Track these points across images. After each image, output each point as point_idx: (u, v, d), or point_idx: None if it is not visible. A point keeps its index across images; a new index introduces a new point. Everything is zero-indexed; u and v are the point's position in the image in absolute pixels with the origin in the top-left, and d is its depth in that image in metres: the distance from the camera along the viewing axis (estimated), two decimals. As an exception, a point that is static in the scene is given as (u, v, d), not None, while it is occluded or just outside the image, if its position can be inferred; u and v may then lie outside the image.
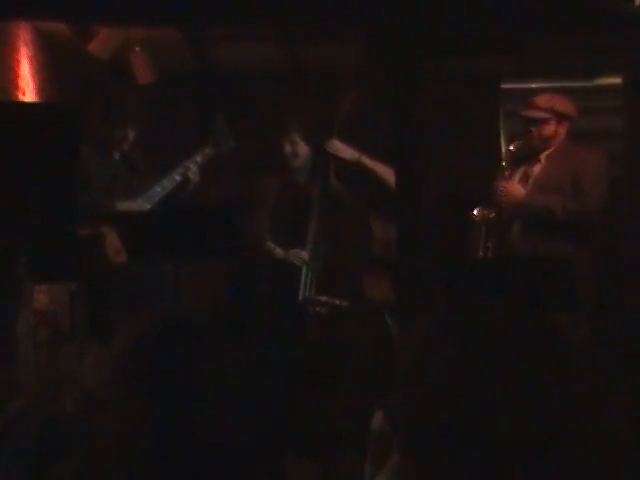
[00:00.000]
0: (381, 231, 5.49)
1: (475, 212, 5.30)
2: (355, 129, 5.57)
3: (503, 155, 5.44)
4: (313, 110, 5.80)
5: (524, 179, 5.31)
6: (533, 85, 6.25)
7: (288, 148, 5.49)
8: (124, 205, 5.15)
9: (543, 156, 5.30)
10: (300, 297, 5.23)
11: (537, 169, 5.31)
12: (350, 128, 5.53)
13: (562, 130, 5.29)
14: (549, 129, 5.26)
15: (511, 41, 5.89)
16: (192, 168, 5.36)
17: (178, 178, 5.32)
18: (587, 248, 5.20)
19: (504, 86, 6.65)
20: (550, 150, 5.29)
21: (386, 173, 5.40)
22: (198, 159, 5.39)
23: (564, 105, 5.30)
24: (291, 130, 5.50)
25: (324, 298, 5.22)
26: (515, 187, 5.24)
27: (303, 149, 5.51)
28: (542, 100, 5.28)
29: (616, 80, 6.31)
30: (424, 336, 1.53)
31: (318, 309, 5.20)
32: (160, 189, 5.26)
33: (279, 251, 5.37)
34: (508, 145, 5.53)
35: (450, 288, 4.34)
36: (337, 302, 5.21)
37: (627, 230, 5.89)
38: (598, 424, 1.57)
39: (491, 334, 1.48)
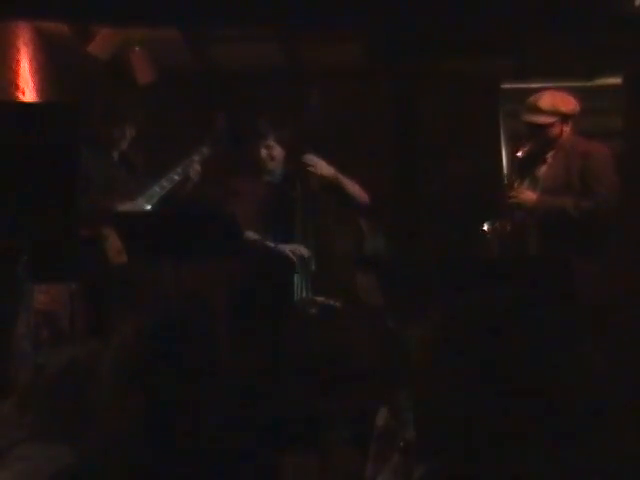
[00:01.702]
0: (370, 229, 5.48)
1: (485, 227, 5.22)
2: (339, 125, 5.55)
3: (510, 163, 5.35)
4: (286, 110, 5.78)
5: (534, 183, 5.23)
6: (533, 85, 6.24)
7: (264, 152, 5.47)
8: (124, 205, 5.15)
9: (549, 156, 5.22)
10: (296, 298, 5.22)
11: (544, 170, 5.23)
12: (318, 135, 5.50)
13: (567, 129, 5.18)
14: (555, 131, 5.15)
15: (511, 41, 5.90)
16: (194, 166, 5.35)
17: (177, 178, 5.31)
18: (603, 248, 5.17)
19: (504, 86, 6.64)
20: (555, 150, 5.23)
21: (355, 192, 5.39)
22: (196, 158, 5.38)
23: (567, 104, 5.20)
24: (267, 134, 5.47)
25: (320, 299, 5.21)
26: (526, 193, 5.18)
27: (278, 152, 5.48)
28: (545, 102, 5.15)
29: (616, 80, 6.31)
30: (438, 333, 1.55)
31: (314, 310, 5.19)
32: (159, 189, 5.26)
33: (275, 248, 5.34)
34: (509, 147, 5.49)
35: (449, 288, 4.34)
36: (332, 303, 5.20)
37: (627, 229, 5.88)
38: (598, 423, 1.57)
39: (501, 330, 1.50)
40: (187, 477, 1.85)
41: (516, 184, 5.18)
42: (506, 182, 5.26)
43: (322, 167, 5.39)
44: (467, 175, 6.26)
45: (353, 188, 5.40)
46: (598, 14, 5.46)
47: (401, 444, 2.51)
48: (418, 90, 6.00)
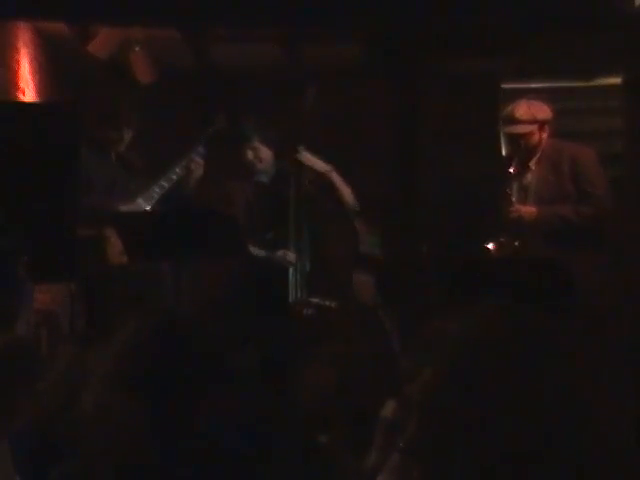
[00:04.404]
0: (365, 229, 5.48)
1: (490, 246, 5.26)
2: (320, 137, 5.53)
3: (506, 178, 5.37)
4: (274, 110, 5.77)
5: (522, 192, 5.30)
6: (533, 85, 6.24)
7: (250, 154, 5.45)
8: (123, 206, 5.15)
9: (532, 163, 5.31)
10: (291, 299, 5.20)
11: (530, 178, 5.31)
12: (315, 135, 5.48)
13: (544, 135, 5.30)
14: (535, 139, 5.27)
15: (511, 41, 5.90)
16: (196, 160, 5.33)
17: (175, 178, 5.30)
18: (604, 249, 5.25)
19: (504, 86, 6.65)
20: (537, 156, 5.31)
21: (346, 195, 5.37)
22: (193, 157, 5.37)
23: (543, 112, 5.30)
24: (250, 135, 5.44)
25: (315, 300, 5.20)
26: (526, 207, 5.23)
27: (265, 152, 5.46)
28: (522, 112, 5.25)
29: (616, 80, 6.31)
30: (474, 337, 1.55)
31: (310, 311, 5.17)
32: (158, 189, 5.26)
33: (264, 253, 5.32)
34: (507, 157, 5.51)
35: (449, 288, 4.34)
36: (328, 303, 5.20)
37: (627, 230, 5.88)
38: (599, 425, 1.57)
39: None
40: (189, 477, 1.85)
41: (514, 199, 5.23)
42: (505, 199, 5.28)
43: (316, 163, 5.37)
44: (467, 175, 6.26)
45: (345, 190, 5.38)
46: (598, 14, 5.47)
47: (401, 444, 2.51)
48: (418, 90, 5.99)
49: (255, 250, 5.28)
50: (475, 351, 1.52)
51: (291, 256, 5.26)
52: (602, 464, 1.50)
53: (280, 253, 5.28)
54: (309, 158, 5.36)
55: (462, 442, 1.48)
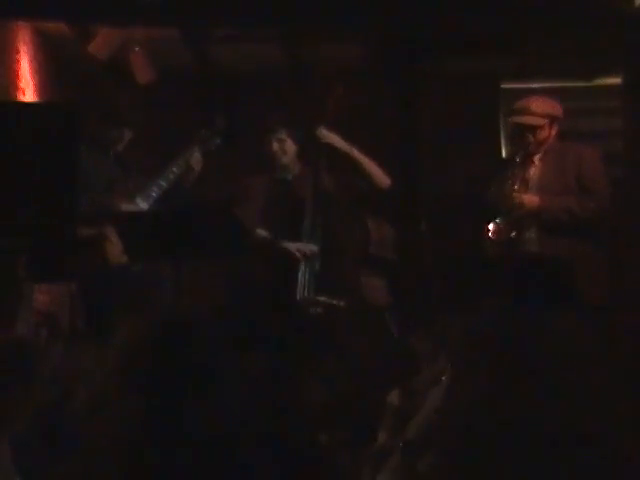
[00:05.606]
0: (377, 230, 5.48)
1: (490, 227, 5.26)
2: (345, 124, 5.54)
3: (509, 166, 5.39)
4: (300, 106, 5.79)
5: (524, 184, 5.31)
6: (533, 85, 6.25)
7: (275, 145, 5.47)
8: (123, 205, 5.15)
9: (536, 158, 5.32)
10: (298, 297, 5.21)
11: (533, 172, 5.33)
12: (339, 123, 5.49)
13: (553, 132, 5.32)
14: (544, 133, 5.28)
15: (511, 41, 5.90)
16: (195, 156, 5.32)
17: (172, 177, 5.30)
18: (602, 246, 5.27)
19: (504, 86, 6.65)
20: (542, 152, 5.32)
21: (373, 170, 5.38)
22: (187, 156, 5.37)
23: (556, 108, 5.33)
24: (278, 127, 5.47)
25: (322, 298, 5.20)
26: (528, 195, 5.24)
27: (290, 146, 5.48)
28: (535, 105, 5.27)
29: (616, 80, 6.31)
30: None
31: (318, 310, 5.18)
32: (157, 188, 5.26)
33: (280, 244, 5.32)
34: (508, 149, 5.53)
35: (450, 288, 4.34)
36: (335, 302, 5.20)
37: (627, 230, 5.89)
38: (600, 423, 1.57)
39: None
40: (188, 477, 1.85)
41: (516, 187, 5.24)
42: (507, 185, 5.29)
43: (338, 141, 5.39)
44: (467, 175, 6.26)
45: (371, 166, 5.38)
46: (598, 14, 5.47)
47: (401, 444, 2.51)
48: (418, 90, 5.99)
49: (268, 246, 5.29)
50: (478, 350, 1.52)
51: (313, 247, 5.26)
52: (598, 463, 1.50)
53: (301, 245, 5.28)
54: (330, 136, 5.38)
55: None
